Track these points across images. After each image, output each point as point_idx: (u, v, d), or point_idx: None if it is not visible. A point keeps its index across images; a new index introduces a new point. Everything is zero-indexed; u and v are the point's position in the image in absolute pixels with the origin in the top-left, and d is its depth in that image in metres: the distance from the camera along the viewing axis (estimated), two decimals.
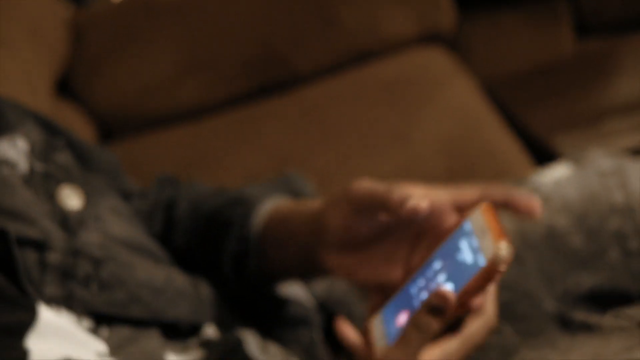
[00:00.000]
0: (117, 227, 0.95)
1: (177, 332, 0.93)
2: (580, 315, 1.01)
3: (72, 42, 1.77)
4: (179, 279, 0.96)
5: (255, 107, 1.70)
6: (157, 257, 0.97)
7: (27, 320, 0.80)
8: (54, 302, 0.85)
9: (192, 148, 1.66)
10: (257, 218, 1.02)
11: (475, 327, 0.81)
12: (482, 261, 0.75)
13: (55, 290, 0.86)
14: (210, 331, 0.94)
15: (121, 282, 0.90)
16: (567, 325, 1.01)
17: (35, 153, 0.93)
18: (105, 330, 0.87)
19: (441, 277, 0.80)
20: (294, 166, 1.52)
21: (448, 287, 0.78)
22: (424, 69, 1.67)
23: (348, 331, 0.83)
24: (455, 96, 1.61)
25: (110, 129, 1.75)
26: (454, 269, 0.78)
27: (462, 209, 0.92)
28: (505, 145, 1.50)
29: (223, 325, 0.96)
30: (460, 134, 1.51)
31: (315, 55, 1.71)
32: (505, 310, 1.02)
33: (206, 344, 0.92)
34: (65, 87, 1.74)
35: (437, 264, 0.81)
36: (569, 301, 1.05)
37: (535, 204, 0.90)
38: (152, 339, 0.89)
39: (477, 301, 0.80)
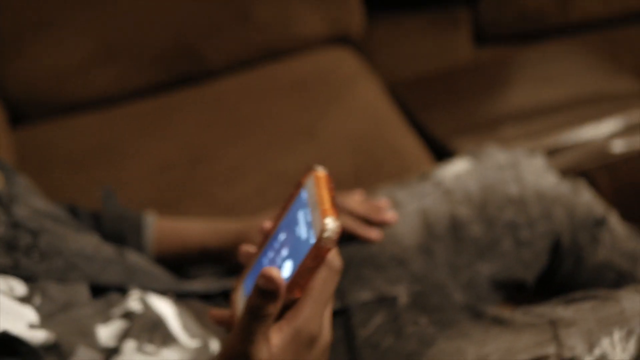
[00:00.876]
0: (39, 202, 1.00)
1: (105, 300, 0.97)
2: (492, 310, 1.07)
3: None
4: (105, 248, 1.01)
5: (167, 99, 1.72)
6: (78, 228, 1.02)
7: None
8: (3, 271, 0.89)
9: (102, 135, 1.67)
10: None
11: (320, 280, 0.74)
12: (312, 239, 0.70)
13: (3, 261, 0.89)
14: (134, 301, 0.97)
15: (58, 251, 0.94)
16: (479, 317, 1.06)
17: None
18: (37, 298, 0.90)
19: (284, 252, 0.75)
20: (204, 158, 1.55)
21: (288, 265, 0.73)
22: (332, 68, 1.72)
23: (217, 312, 0.81)
24: (361, 96, 1.67)
25: (20, 113, 1.75)
26: (294, 244, 0.73)
27: None
28: (409, 143, 1.56)
29: (150, 291, 1.00)
30: (366, 133, 1.57)
31: (228, 49, 1.75)
32: (419, 301, 1.07)
33: (129, 315, 0.96)
34: None
35: (281, 236, 0.76)
36: (473, 291, 1.11)
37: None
38: (82, 307, 0.93)
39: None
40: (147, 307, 0.98)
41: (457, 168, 1.20)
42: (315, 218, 0.70)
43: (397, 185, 1.20)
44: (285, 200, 0.77)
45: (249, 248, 0.80)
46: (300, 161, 1.52)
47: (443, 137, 1.65)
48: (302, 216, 0.73)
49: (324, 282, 0.73)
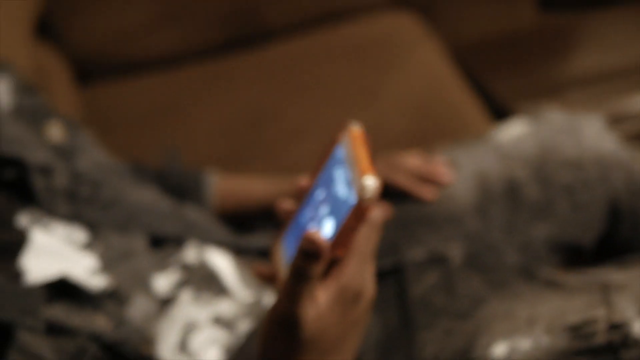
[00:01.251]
0: (101, 156, 1.02)
1: (163, 251, 0.99)
2: (545, 272, 1.07)
3: None
4: (164, 202, 1.03)
5: (228, 61, 1.74)
6: (139, 182, 1.04)
7: (18, 241, 0.87)
8: (66, 220, 0.92)
9: (165, 96, 1.70)
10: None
11: (363, 238, 0.74)
12: (353, 198, 0.69)
13: (65, 209, 0.92)
14: (192, 254, 1.00)
15: (118, 202, 0.97)
16: (532, 279, 1.06)
17: (20, 90, 1.00)
18: (101, 246, 0.93)
19: (324, 210, 0.74)
20: (266, 119, 1.57)
21: (329, 223, 0.72)
22: (394, 32, 1.72)
23: (260, 267, 0.80)
24: (423, 59, 1.66)
25: (87, 72, 1.78)
26: (333, 202, 0.72)
27: None
28: (469, 106, 1.56)
29: (207, 244, 1.02)
30: (427, 95, 1.57)
31: (288, 11, 1.76)
32: (473, 262, 1.08)
33: (185, 267, 0.98)
34: (45, 29, 1.77)
35: (319, 193, 0.75)
36: (528, 253, 1.11)
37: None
38: (140, 256, 0.96)
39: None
40: (203, 259, 1.01)
41: (515, 130, 1.19)
42: (354, 176, 0.69)
43: (456, 146, 1.21)
44: (319, 157, 0.76)
45: (286, 205, 0.81)
46: (360, 122, 1.52)
47: (505, 100, 1.64)
48: (339, 174, 0.72)
49: (366, 239, 0.74)
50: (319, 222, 0.74)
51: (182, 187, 1.18)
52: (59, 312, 0.85)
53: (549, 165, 1.12)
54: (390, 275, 1.04)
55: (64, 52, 1.75)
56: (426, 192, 1.12)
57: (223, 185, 1.20)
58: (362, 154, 0.70)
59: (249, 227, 1.19)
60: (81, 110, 1.69)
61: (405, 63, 1.63)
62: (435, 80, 1.62)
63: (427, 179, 1.13)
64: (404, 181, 1.12)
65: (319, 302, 0.73)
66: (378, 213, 0.74)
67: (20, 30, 1.62)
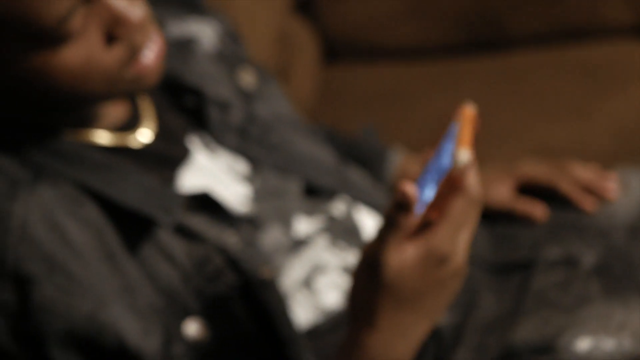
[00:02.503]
0: (281, 107, 1.14)
1: (314, 199, 1.09)
2: None
3: None
4: (328, 158, 1.13)
5: (461, 61, 1.81)
6: (313, 136, 1.15)
7: (182, 156, 1.00)
8: (232, 150, 1.04)
9: (396, 84, 1.79)
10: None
11: (457, 206, 0.81)
12: (448, 167, 0.77)
13: (233, 142, 1.05)
14: (341, 208, 1.08)
15: (283, 148, 1.08)
16: None
17: (225, 36, 1.13)
18: (258, 180, 1.04)
19: (431, 176, 0.81)
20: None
21: (431, 188, 0.80)
22: (628, 60, 1.71)
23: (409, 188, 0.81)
24: None
25: (334, 52, 1.92)
26: (438, 171, 0.80)
27: None
28: None
29: (360, 203, 1.11)
30: None
31: (529, 22, 1.80)
32: (601, 271, 1.08)
33: (331, 218, 1.07)
34: (303, 6, 1.93)
35: (432, 162, 0.83)
36: None
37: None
38: (291, 198, 1.06)
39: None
40: (350, 214, 1.10)
41: None
42: (454, 149, 0.77)
43: (635, 169, 1.22)
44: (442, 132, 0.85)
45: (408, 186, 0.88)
46: (568, 137, 1.55)
47: None
48: (448, 147, 0.80)
49: (461, 208, 0.80)
50: (425, 186, 0.82)
51: (365, 158, 1.28)
52: (197, 222, 0.97)
53: None
54: (521, 268, 1.08)
55: (316, 30, 1.90)
56: (587, 203, 1.14)
57: (405, 165, 1.28)
58: (467, 131, 0.79)
59: None
60: (319, 84, 1.84)
61: (627, 89, 1.63)
62: None
63: (591, 189, 1.15)
64: (567, 187, 1.16)
65: (405, 253, 0.80)
66: (477, 187, 0.80)
67: (278, 3, 1.79)
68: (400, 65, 1.85)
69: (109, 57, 0.88)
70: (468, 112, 0.81)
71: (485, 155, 1.51)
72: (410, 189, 0.78)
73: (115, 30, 0.88)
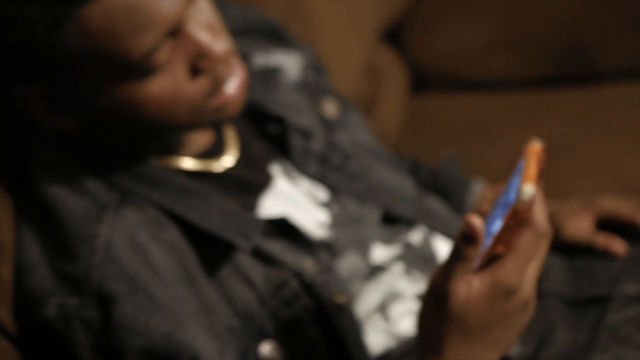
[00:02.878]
0: (363, 136, 1.16)
1: (392, 228, 1.11)
2: None
3: None
4: (408, 187, 1.15)
5: (548, 93, 1.81)
6: (394, 165, 1.17)
7: (264, 182, 1.03)
8: (312, 178, 1.07)
9: (481, 115, 1.80)
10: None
11: (524, 240, 0.81)
12: (514, 201, 0.78)
13: (314, 170, 1.08)
14: (418, 236, 1.10)
15: (363, 176, 1.11)
16: None
17: (309, 67, 1.16)
18: (337, 207, 1.06)
19: (499, 211, 0.82)
20: (561, 151, 1.61)
21: (498, 222, 0.80)
22: None
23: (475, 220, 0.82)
24: None
25: (421, 82, 1.94)
26: (505, 205, 0.81)
27: None
28: None
29: (437, 233, 1.13)
30: None
31: (619, 56, 1.79)
32: None
33: (408, 246, 1.09)
34: (392, 36, 1.95)
35: (501, 197, 0.84)
36: None
37: None
38: (369, 225, 1.08)
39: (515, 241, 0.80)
40: (427, 243, 1.11)
41: None
42: (520, 183, 0.78)
43: None
44: (511, 167, 0.87)
45: (484, 207, 0.90)
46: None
47: None
48: (515, 181, 0.81)
49: (529, 242, 0.80)
50: (495, 221, 0.83)
51: (447, 188, 1.29)
52: (275, 246, 1.00)
53: None
54: (598, 302, 1.08)
55: (404, 61, 1.93)
56: None
57: (485, 196, 1.29)
58: (532, 166, 0.80)
59: None
60: (405, 114, 1.86)
61: None
62: None
63: None
64: None
65: (472, 285, 0.81)
66: (545, 222, 0.82)
67: (367, 32, 1.82)
68: (487, 96, 1.86)
69: (194, 88, 0.93)
70: (535, 148, 0.82)
71: (569, 188, 1.54)
72: (475, 220, 0.79)
73: (199, 63, 0.92)
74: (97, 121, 0.96)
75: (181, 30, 0.90)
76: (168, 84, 0.91)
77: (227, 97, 0.95)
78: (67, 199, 0.95)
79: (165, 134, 0.99)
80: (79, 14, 0.86)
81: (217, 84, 0.94)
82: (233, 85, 0.95)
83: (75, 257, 0.93)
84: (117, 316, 0.91)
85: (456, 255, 0.81)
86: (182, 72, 0.92)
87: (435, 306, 0.83)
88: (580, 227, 1.19)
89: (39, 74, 0.91)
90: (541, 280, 1.09)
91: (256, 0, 1.37)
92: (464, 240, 0.80)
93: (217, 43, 0.91)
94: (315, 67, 1.20)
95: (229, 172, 1.03)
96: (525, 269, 0.81)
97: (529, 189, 0.77)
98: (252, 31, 1.17)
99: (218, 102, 0.95)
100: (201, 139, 1.03)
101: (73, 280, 0.92)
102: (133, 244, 0.93)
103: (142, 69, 0.89)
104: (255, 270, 0.98)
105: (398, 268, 1.07)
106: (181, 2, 0.89)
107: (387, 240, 1.09)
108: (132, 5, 0.86)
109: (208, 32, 0.92)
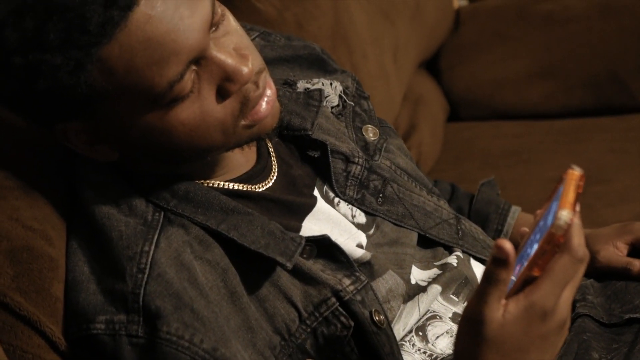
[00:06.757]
0: (401, 160, 1.19)
1: (431, 251, 1.14)
2: None
3: (450, 29, 2.01)
4: (445, 210, 1.17)
5: (586, 122, 1.83)
6: (430, 190, 1.19)
7: (305, 204, 1.06)
8: (351, 202, 1.09)
9: (517, 143, 1.83)
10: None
11: (561, 264, 0.81)
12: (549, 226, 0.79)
13: (353, 193, 1.10)
14: (455, 259, 1.13)
15: (400, 200, 1.13)
16: None
17: (348, 95, 1.19)
18: (376, 230, 1.10)
19: (536, 235, 0.84)
20: (596, 178, 1.63)
21: (535, 246, 0.81)
22: None
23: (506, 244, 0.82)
24: None
25: (459, 109, 1.97)
26: (543, 229, 0.82)
27: None
28: None
29: (473, 255, 1.15)
30: None
31: None
32: None
33: (445, 268, 1.11)
34: (431, 65, 1.98)
35: (540, 222, 0.85)
36: None
37: None
38: (407, 247, 1.11)
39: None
40: (463, 266, 1.13)
41: None
42: (557, 209, 0.80)
43: None
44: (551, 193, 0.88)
45: (523, 230, 0.91)
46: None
47: None
48: (554, 207, 0.82)
49: (564, 266, 0.82)
50: (532, 245, 0.85)
51: (486, 211, 1.32)
52: (316, 266, 1.02)
53: None
54: (634, 324, 1.10)
55: (443, 88, 1.96)
56: None
57: (523, 218, 1.31)
58: (570, 192, 0.81)
59: None
60: (443, 140, 1.89)
61: None
62: None
63: None
64: None
65: (508, 310, 0.83)
66: (582, 247, 0.83)
67: (407, 60, 1.85)
68: (523, 124, 1.88)
69: (223, 110, 0.95)
70: (574, 174, 0.83)
71: (605, 215, 1.55)
72: (506, 244, 0.80)
73: (226, 85, 0.94)
74: (136, 150, 0.99)
75: (206, 56, 0.92)
76: (197, 109, 0.93)
77: (258, 114, 0.97)
78: (116, 219, 0.98)
79: (202, 156, 1.00)
80: (99, 54, 0.88)
81: (247, 103, 0.95)
82: (262, 103, 0.97)
83: (123, 275, 0.95)
84: (162, 332, 0.93)
85: (489, 280, 0.82)
86: (210, 96, 0.93)
87: (472, 331, 0.84)
88: (616, 252, 1.21)
89: (73, 113, 0.93)
90: (576, 302, 1.11)
91: (301, 28, 1.41)
92: (496, 264, 0.81)
93: (243, 65, 0.93)
94: (357, 93, 1.23)
95: (269, 193, 1.06)
96: (561, 292, 0.83)
97: (565, 214, 0.78)
98: (296, 58, 1.19)
99: (249, 121, 0.97)
100: (243, 159, 1.06)
101: (121, 297, 0.95)
102: (178, 262, 0.96)
103: (169, 98, 0.91)
104: (296, 288, 1.00)
105: (435, 289, 1.09)
106: (201, 31, 0.91)
107: (425, 262, 1.12)
108: (150, 40, 0.88)
109: (233, 55, 0.93)
